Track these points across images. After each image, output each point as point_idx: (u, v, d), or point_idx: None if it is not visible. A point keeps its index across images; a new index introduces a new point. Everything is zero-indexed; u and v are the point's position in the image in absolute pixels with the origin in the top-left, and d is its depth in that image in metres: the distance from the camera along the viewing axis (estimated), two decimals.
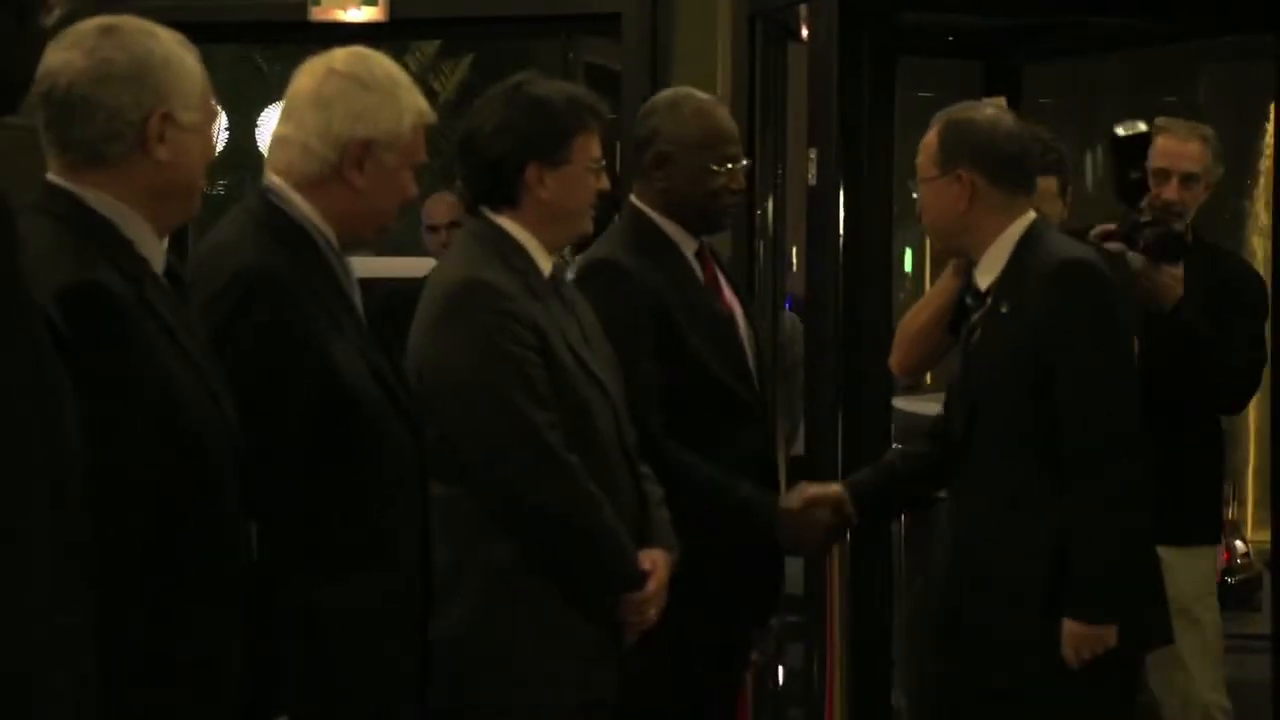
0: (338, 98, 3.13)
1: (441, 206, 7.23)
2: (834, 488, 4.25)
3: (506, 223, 3.71)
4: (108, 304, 2.54)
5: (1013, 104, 7.15)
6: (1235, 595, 9.15)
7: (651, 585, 3.69)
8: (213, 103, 2.82)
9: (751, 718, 5.58)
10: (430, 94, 14.59)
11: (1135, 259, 4.78)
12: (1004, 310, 3.92)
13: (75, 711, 1.88)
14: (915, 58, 6.99)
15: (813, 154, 5.94)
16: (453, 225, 6.72)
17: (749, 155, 6.38)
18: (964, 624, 3.98)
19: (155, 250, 2.72)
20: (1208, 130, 5.22)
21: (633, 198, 4.29)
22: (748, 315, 4.38)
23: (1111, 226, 4.84)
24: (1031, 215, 4.01)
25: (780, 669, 6.02)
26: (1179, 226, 4.90)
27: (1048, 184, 4.66)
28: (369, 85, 3.13)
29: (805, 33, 6.23)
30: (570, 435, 3.57)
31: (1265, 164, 12.00)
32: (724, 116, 4.32)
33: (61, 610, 1.82)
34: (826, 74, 5.91)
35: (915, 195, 4.12)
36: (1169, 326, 4.85)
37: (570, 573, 3.60)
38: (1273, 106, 6.69)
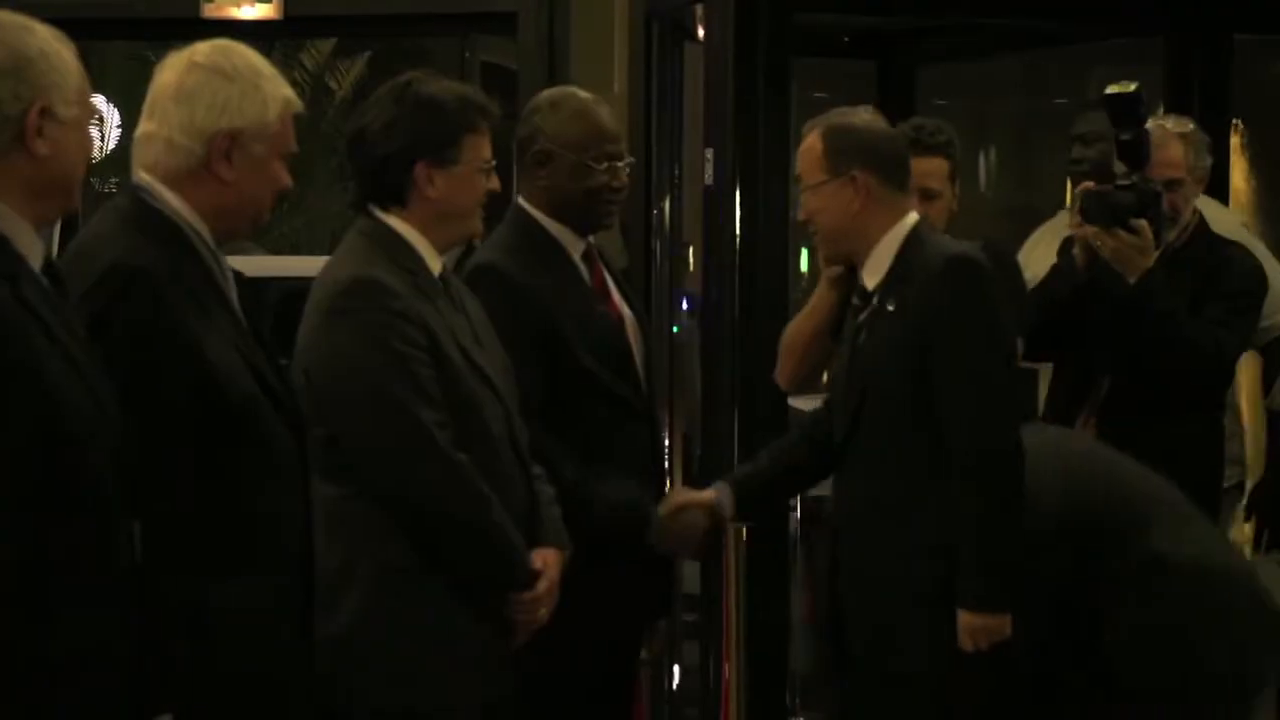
0: (200, 90, 3.10)
1: None
2: (707, 493, 4.27)
3: (395, 222, 3.69)
4: None
5: (907, 105, 7.22)
6: None
7: (542, 585, 3.68)
8: (92, 98, 2.79)
9: (648, 718, 5.58)
10: (326, 92, 14.56)
11: (1087, 232, 4.74)
12: (890, 308, 3.99)
13: None
14: (811, 58, 7.01)
15: (709, 154, 5.95)
16: None
17: (645, 155, 6.41)
18: (855, 618, 4.04)
19: (32, 247, 2.69)
20: (1187, 126, 5.18)
21: (519, 198, 4.28)
22: (637, 317, 4.37)
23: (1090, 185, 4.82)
24: (914, 215, 4.09)
25: (676, 668, 6.03)
26: (1155, 187, 4.84)
27: (939, 166, 4.75)
28: (231, 76, 3.11)
29: (701, 33, 6.24)
30: (460, 435, 3.56)
31: None
32: (605, 115, 4.31)
33: None
34: (722, 74, 5.93)
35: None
36: (1134, 305, 4.79)
37: (460, 571, 3.59)
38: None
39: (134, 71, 15.10)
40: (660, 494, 4.32)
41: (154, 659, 2.80)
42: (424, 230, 3.68)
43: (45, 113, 2.68)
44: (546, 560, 3.72)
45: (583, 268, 4.27)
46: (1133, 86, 4.75)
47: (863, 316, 4.07)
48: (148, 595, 2.77)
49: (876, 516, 4.00)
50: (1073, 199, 5.20)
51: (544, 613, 3.72)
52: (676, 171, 6.77)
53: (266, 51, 3.28)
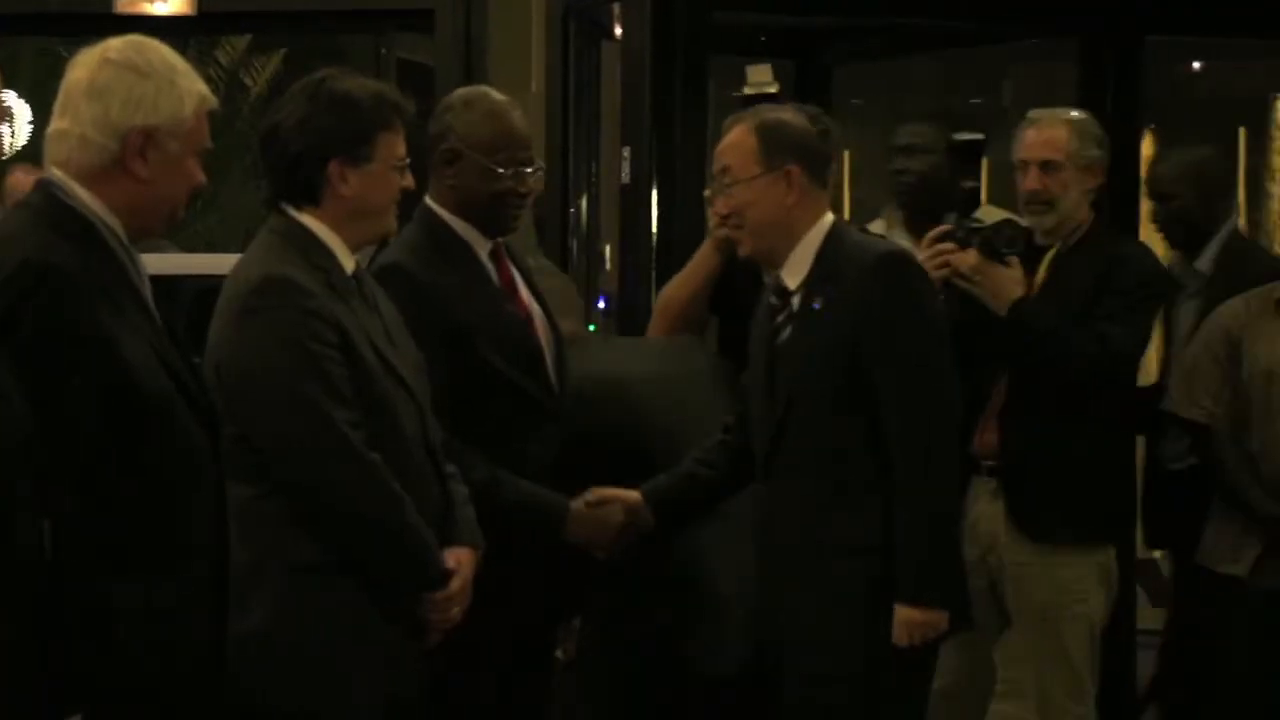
0: (114, 87, 3.07)
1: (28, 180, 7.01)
2: (631, 493, 4.21)
3: (308, 219, 3.67)
4: None
5: (824, 104, 7.24)
6: None
7: (455, 584, 3.67)
8: (2, 96, 2.75)
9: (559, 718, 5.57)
10: (241, 89, 14.47)
11: (969, 260, 4.72)
12: (817, 306, 3.95)
13: None
14: (728, 57, 7.03)
15: (626, 152, 5.95)
16: None
17: (562, 153, 6.40)
18: (783, 621, 4.02)
19: None
20: (1077, 115, 5.17)
21: (427, 197, 4.26)
22: (548, 316, 4.36)
23: (947, 227, 4.82)
24: (831, 214, 4.07)
25: None
26: (1023, 223, 4.86)
27: None
28: (146, 73, 3.08)
29: (619, 31, 6.25)
30: (373, 434, 3.54)
31: None
32: (518, 119, 4.27)
33: None
34: (640, 73, 5.93)
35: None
36: (1012, 332, 4.79)
37: (373, 571, 3.57)
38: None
39: (45, 68, 14.97)
40: (573, 496, 4.29)
41: (63, 659, 2.77)
42: (337, 228, 3.65)
43: None
44: (459, 559, 3.70)
45: (490, 267, 4.25)
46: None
47: (781, 317, 4.03)
48: (57, 594, 2.74)
49: (808, 518, 3.97)
50: (897, 210, 5.28)
51: (457, 611, 3.70)
52: (593, 170, 6.77)
53: (181, 48, 3.25)
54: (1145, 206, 5.99)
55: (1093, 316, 4.86)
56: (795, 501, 3.99)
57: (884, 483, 3.90)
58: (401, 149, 3.70)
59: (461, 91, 4.41)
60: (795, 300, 4.00)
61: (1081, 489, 4.91)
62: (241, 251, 3.80)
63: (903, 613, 3.89)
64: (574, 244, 6.64)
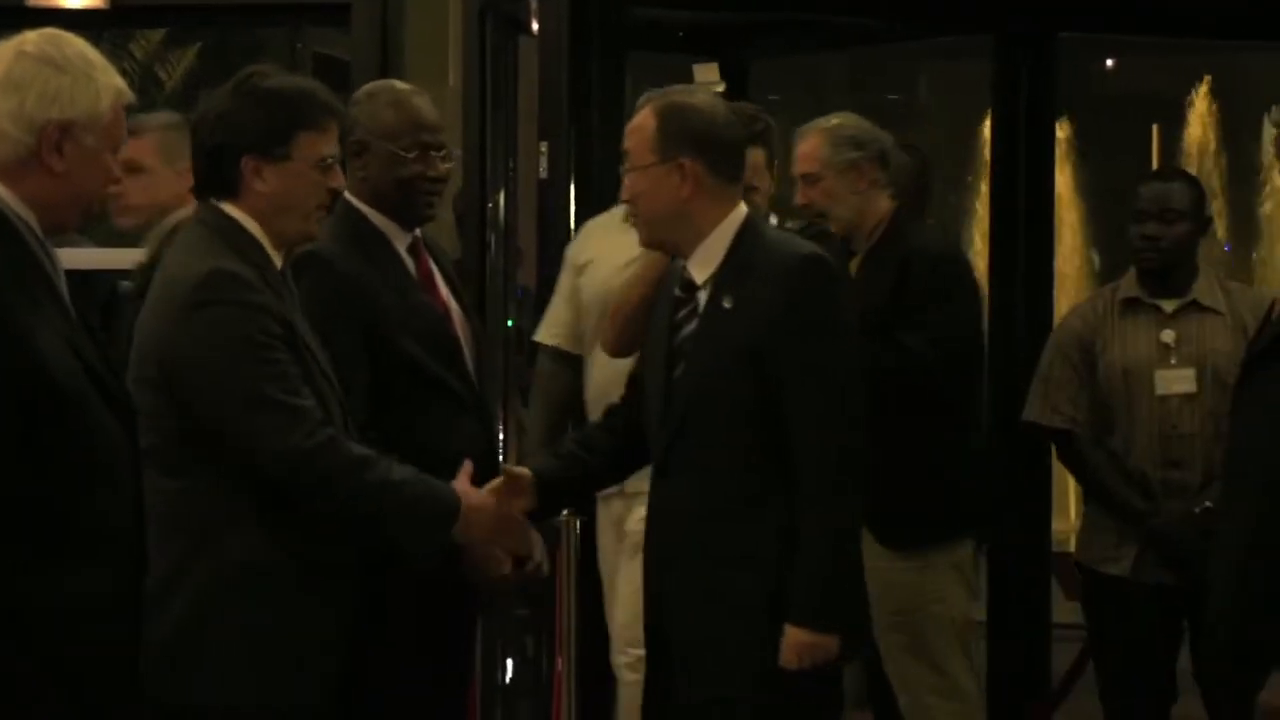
0: (30, 80, 3.04)
1: None
2: (526, 471, 3.96)
3: (237, 214, 3.66)
4: None
5: (741, 100, 7.26)
6: None
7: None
8: None
9: (480, 712, 5.58)
10: (156, 83, 14.36)
11: None
12: (726, 305, 3.80)
13: None
14: (645, 53, 7.04)
15: (543, 147, 5.95)
16: None
17: (480, 148, 6.39)
18: (675, 633, 3.87)
19: None
20: (831, 121, 5.19)
21: (345, 191, 4.25)
22: (466, 312, 4.36)
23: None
24: (744, 208, 3.91)
25: (510, 662, 6.02)
26: (828, 227, 4.84)
27: (756, 156, 4.59)
28: (62, 66, 3.06)
29: (536, 26, 6.24)
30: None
31: (983, 164, 12.32)
32: (422, 105, 4.26)
33: None
34: (557, 68, 5.94)
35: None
36: None
37: (394, 538, 3.65)
38: (990, 107, 6.86)
39: None
40: None
41: None
42: (261, 223, 3.65)
43: None
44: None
45: (408, 260, 4.25)
46: (719, 87, 4.86)
47: (685, 311, 3.88)
48: None
49: (704, 524, 3.81)
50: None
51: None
52: (511, 165, 6.76)
53: (94, 42, 3.22)
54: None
55: (891, 326, 4.89)
56: (689, 504, 3.83)
57: (783, 493, 3.75)
58: (326, 149, 3.67)
59: (367, 85, 4.42)
60: (701, 296, 3.86)
61: (927, 491, 4.95)
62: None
63: (793, 634, 3.73)
64: (491, 239, 6.62)
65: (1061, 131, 8.73)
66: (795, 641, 3.72)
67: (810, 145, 5.07)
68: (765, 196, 4.67)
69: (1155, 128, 14.32)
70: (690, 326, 3.86)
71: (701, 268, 3.87)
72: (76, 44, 3.11)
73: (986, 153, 7.50)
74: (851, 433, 3.77)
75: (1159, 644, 4.97)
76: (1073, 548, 5.75)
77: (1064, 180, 14.04)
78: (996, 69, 6.58)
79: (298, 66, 8.20)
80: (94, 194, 3.13)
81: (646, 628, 3.95)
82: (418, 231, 4.28)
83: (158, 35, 15.06)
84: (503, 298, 6.67)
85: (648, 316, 4.14)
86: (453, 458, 4.03)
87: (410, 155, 4.18)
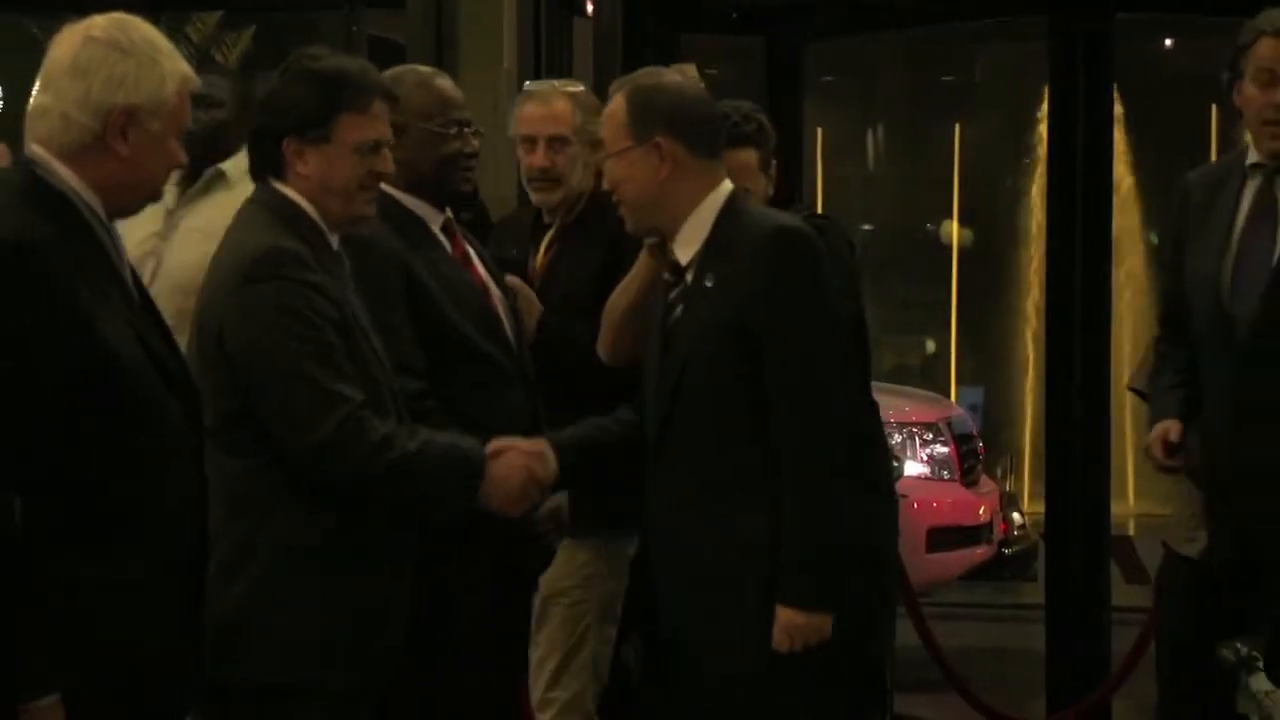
0: (97, 65, 3.05)
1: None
2: (539, 442, 3.85)
3: (291, 194, 3.68)
4: None
5: (793, 82, 7.25)
6: (1012, 566, 9.35)
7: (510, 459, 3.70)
8: None
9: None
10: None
11: None
12: (708, 284, 3.73)
13: None
14: (699, 34, 7.03)
15: None
16: None
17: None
18: (675, 615, 3.79)
19: None
20: (577, 87, 5.01)
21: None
22: (502, 289, 4.36)
23: None
24: (729, 185, 3.81)
25: None
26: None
27: (747, 157, 4.49)
28: (128, 51, 3.06)
29: (590, 8, 6.24)
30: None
31: (1040, 146, 12.26)
32: (447, 84, 4.28)
33: None
34: (611, 49, 5.94)
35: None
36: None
37: (416, 496, 3.63)
38: (1047, 88, 6.81)
39: (16, 43, 14.91)
40: None
41: (38, 636, 2.77)
42: (310, 204, 3.67)
43: None
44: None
45: (444, 240, 4.27)
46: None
47: (674, 294, 3.80)
48: (30, 571, 2.74)
49: (700, 507, 3.73)
50: None
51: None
52: None
53: (152, 23, 3.23)
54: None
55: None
56: (686, 489, 3.76)
57: (774, 473, 3.67)
58: (371, 132, 3.67)
59: (386, 72, 4.41)
60: (688, 276, 3.79)
61: (596, 479, 4.84)
62: None
63: (784, 615, 3.64)
64: None
65: (1118, 112, 8.67)
66: (787, 623, 3.64)
67: (563, 109, 4.81)
68: (760, 199, 4.47)
69: (1213, 108, 14.24)
70: (678, 309, 3.80)
71: (686, 249, 3.79)
72: (144, 29, 3.12)
73: (1043, 138, 7.47)
74: (832, 405, 3.69)
75: (1220, 629, 4.93)
76: (1131, 531, 5.74)
77: (1121, 160, 13.98)
78: (1053, 50, 6.54)
79: (353, 49, 8.22)
80: (157, 178, 3.14)
81: (643, 614, 3.89)
82: (448, 211, 4.30)
83: (214, 18, 15.13)
84: None
85: (639, 322, 4.03)
86: (501, 431, 4.03)
87: (450, 132, 4.20)
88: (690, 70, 4.31)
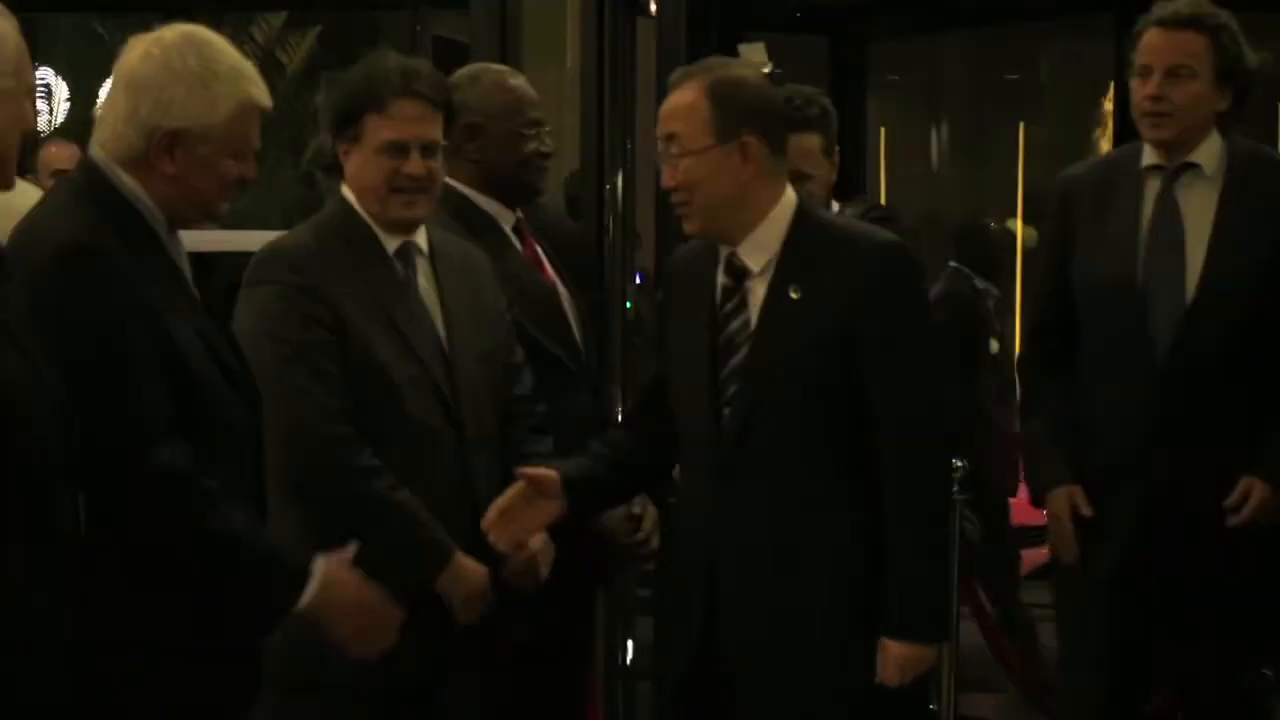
0: (147, 85, 3.07)
1: (61, 154, 7.01)
2: (550, 473, 3.68)
3: (349, 194, 3.72)
4: None
5: (858, 81, 7.24)
6: None
7: (518, 561, 3.65)
8: (29, 71, 2.77)
9: (601, 695, 5.59)
10: (277, 67, 14.50)
11: None
12: (794, 295, 3.52)
13: None
14: (763, 33, 7.01)
15: None
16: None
17: (598, 130, 6.40)
18: (740, 654, 3.56)
19: None
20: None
21: (446, 177, 4.27)
22: (570, 290, 4.37)
23: None
24: (791, 190, 3.64)
25: (630, 644, 6.04)
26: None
27: (810, 142, 4.45)
28: (178, 75, 3.07)
29: (653, 7, 6.24)
30: (371, 416, 3.54)
31: (1105, 144, 12.19)
32: (523, 84, 4.31)
33: None
34: (675, 49, 5.93)
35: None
36: None
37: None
38: (1112, 85, 6.78)
39: (83, 44, 15.02)
40: None
41: (100, 631, 2.80)
42: (360, 204, 3.71)
43: None
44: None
45: (514, 240, 4.27)
46: (767, 68, 4.30)
47: (734, 302, 3.59)
48: (90, 565, 2.76)
49: (780, 528, 3.51)
50: None
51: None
52: (629, 147, 6.76)
53: (215, 25, 3.23)
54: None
55: None
56: (763, 507, 3.53)
57: (862, 493, 3.49)
58: (389, 133, 3.66)
59: (464, 70, 4.43)
60: (755, 285, 3.58)
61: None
62: (279, 229, 3.82)
63: (892, 648, 3.46)
64: (610, 221, 6.63)
65: None
66: (896, 655, 3.46)
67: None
68: (823, 185, 4.43)
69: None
70: (741, 318, 3.57)
71: (757, 255, 3.57)
72: (206, 48, 3.10)
73: (1108, 135, 7.44)
74: (940, 427, 3.55)
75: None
76: None
77: None
78: (1119, 48, 6.50)
79: (418, 49, 8.25)
80: (210, 197, 3.14)
81: (691, 646, 3.62)
82: (519, 212, 4.30)
83: (278, 19, 15.20)
84: (620, 281, 6.68)
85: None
86: (569, 433, 4.04)
87: (529, 132, 4.21)
88: (760, 51, 4.25)
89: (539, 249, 4.36)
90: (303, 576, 3.12)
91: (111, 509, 2.88)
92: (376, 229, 3.69)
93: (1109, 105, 8.95)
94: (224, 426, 3.09)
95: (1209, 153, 4.13)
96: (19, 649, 2.58)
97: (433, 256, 3.79)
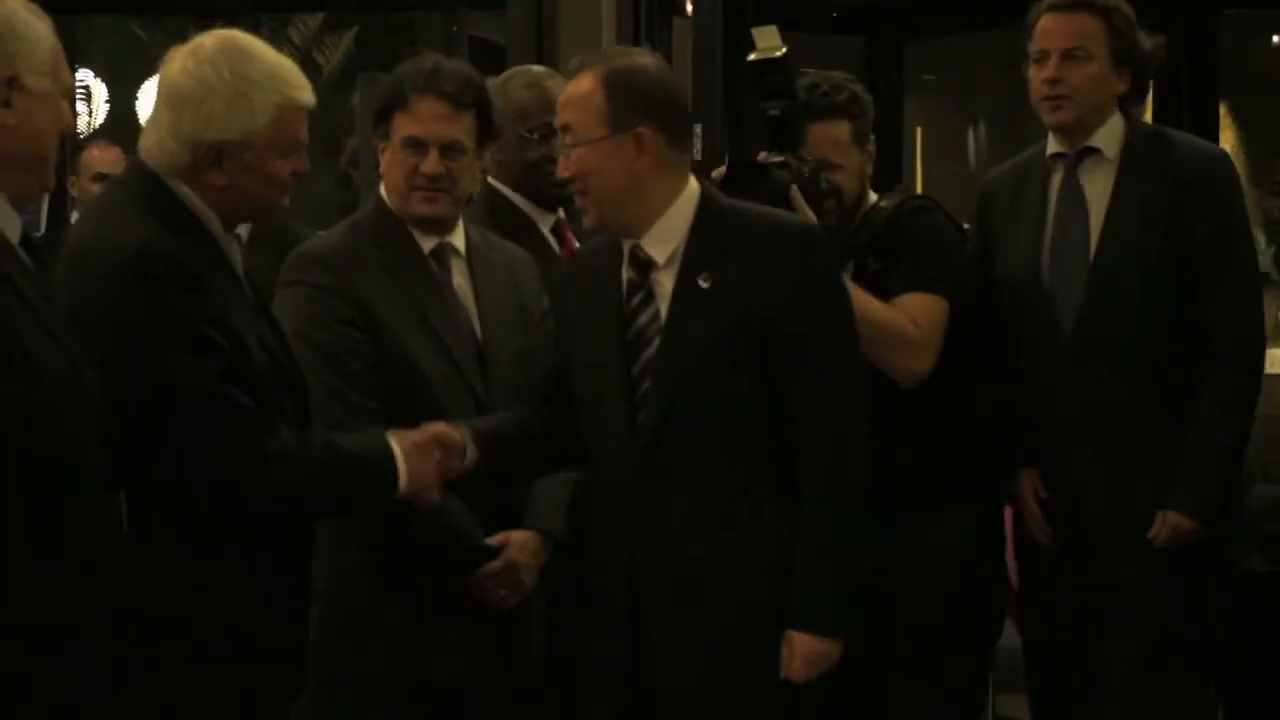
0: (186, 100, 3.07)
1: (104, 156, 7.03)
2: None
3: (384, 192, 3.73)
4: None
5: (895, 80, 7.22)
6: None
7: (493, 564, 3.64)
8: (66, 72, 2.77)
9: None
10: (314, 68, 14.56)
11: None
12: (703, 284, 3.39)
13: None
14: (797, 33, 7.01)
15: (697, 129, 5.95)
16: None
17: None
18: (674, 647, 3.41)
19: (8, 218, 2.69)
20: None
21: (489, 176, 4.26)
22: None
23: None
24: (694, 180, 3.49)
25: None
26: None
27: (838, 130, 4.18)
28: (216, 88, 3.06)
29: (689, 7, 6.25)
30: (404, 415, 3.53)
31: None
32: (554, 87, 4.10)
33: None
34: (710, 49, 5.93)
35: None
36: None
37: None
38: (1151, 85, 6.76)
39: (121, 46, 15.10)
40: None
41: (140, 628, 2.81)
42: (392, 203, 3.72)
43: (12, 83, 2.66)
44: (510, 540, 3.66)
45: (552, 240, 4.25)
46: (779, 51, 4.04)
47: (640, 295, 3.45)
48: (139, 564, 2.78)
49: (701, 524, 3.37)
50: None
51: (504, 594, 3.65)
52: None
53: (253, 28, 3.23)
54: None
55: None
56: (683, 503, 3.38)
57: (780, 484, 3.36)
58: (410, 129, 3.66)
59: (513, 69, 4.42)
60: (662, 277, 3.44)
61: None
62: (317, 229, 3.84)
63: (801, 642, 3.33)
64: None
65: (1223, 108, 8.58)
66: (805, 650, 3.34)
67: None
68: (854, 174, 4.16)
69: None
70: (648, 312, 3.45)
71: (660, 246, 3.43)
72: (241, 56, 3.10)
73: None
74: (859, 420, 3.40)
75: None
76: None
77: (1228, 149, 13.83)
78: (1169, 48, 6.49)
79: (454, 50, 8.27)
80: (265, 198, 3.15)
81: (612, 656, 3.50)
82: (561, 212, 4.28)
83: (316, 20, 15.27)
84: None
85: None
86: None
87: (533, 137, 4.16)
88: (772, 34, 4.11)
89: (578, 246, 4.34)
90: (393, 461, 3.22)
91: (186, 484, 2.91)
92: (411, 228, 3.70)
93: (1148, 102, 8.93)
94: (272, 420, 3.09)
95: (1110, 136, 4.10)
96: (58, 643, 2.59)
97: (470, 256, 3.79)
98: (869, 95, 4.28)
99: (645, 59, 3.51)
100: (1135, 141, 4.07)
